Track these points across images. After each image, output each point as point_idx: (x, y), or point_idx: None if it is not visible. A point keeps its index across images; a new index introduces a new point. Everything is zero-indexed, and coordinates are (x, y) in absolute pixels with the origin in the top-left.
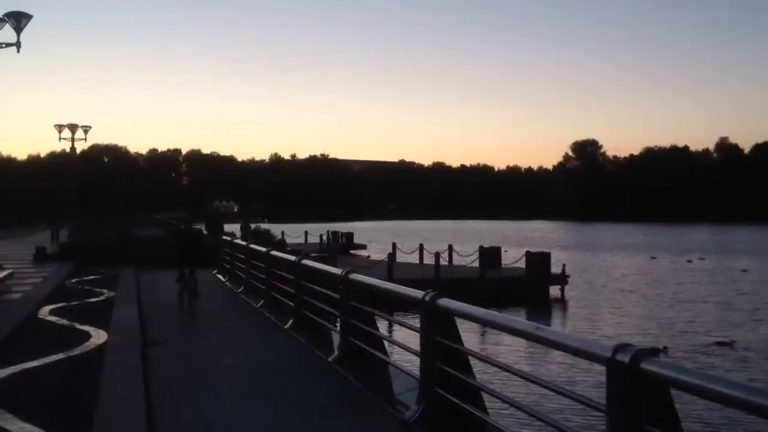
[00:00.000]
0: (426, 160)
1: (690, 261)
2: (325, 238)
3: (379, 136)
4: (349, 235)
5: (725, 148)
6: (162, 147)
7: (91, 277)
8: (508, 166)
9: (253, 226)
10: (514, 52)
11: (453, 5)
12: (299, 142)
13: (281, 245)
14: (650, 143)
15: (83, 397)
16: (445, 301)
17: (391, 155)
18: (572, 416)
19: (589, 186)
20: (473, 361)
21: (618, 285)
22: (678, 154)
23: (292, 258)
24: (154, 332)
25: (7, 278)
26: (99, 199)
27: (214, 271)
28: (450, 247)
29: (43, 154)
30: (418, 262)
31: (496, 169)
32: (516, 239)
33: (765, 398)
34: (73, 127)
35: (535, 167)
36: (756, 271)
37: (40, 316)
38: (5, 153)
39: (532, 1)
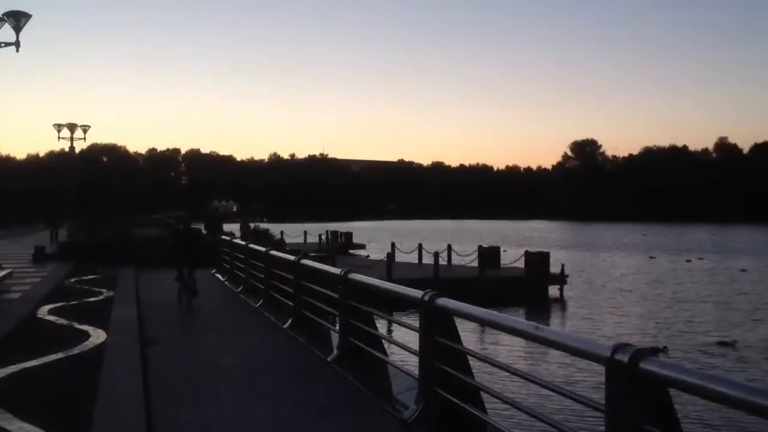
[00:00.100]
0: (425, 160)
1: (689, 261)
2: (324, 237)
3: (379, 135)
4: (348, 235)
5: (724, 148)
6: (161, 146)
7: (90, 277)
8: (507, 166)
9: (252, 225)
10: (513, 52)
11: (453, 5)
12: (299, 142)
13: (280, 245)
14: (649, 143)
15: (82, 396)
16: (444, 301)
17: (390, 155)
18: (571, 416)
19: (589, 186)
20: (472, 361)
21: (617, 285)
22: (677, 154)
23: (291, 258)
24: (153, 332)
25: (6, 278)
26: (98, 199)
27: (213, 271)
28: (449, 247)
29: (42, 154)
30: (417, 261)
31: (495, 169)
32: (515, 239)
33: (765, 398)
34: (72, 127)
35: (534, 167)
36: (755, 270)
37: (39, 316)
38: (4, 152)
39: (532, 1)
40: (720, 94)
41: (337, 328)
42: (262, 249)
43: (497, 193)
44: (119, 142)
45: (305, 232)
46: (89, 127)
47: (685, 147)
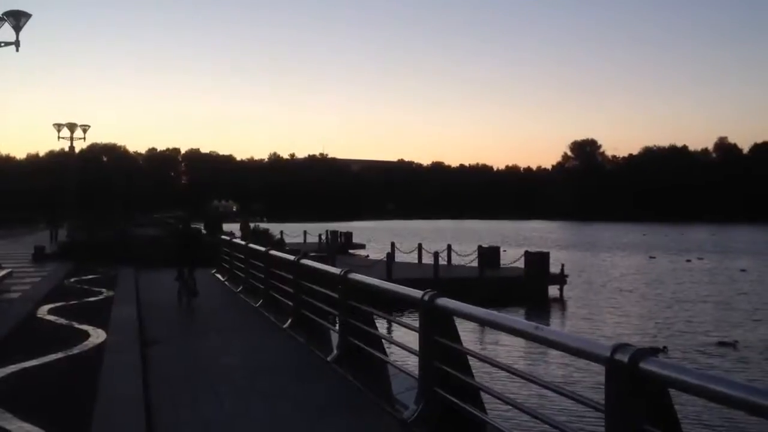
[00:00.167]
0: (425, 160)
1: (689, 261)
2: (324, 237)
3: (379, 135)
4: (348, 235)
5: (724, 147)
6: (161, 146)
7: (90, 277)
8: (507, 166)
9: (252, 225)
10: (513, 52)
11: (453, 5)
12: (298, 142)
13: (280, 245)
14: (649, 143)
15: (82, 396)
16: (444, 301)
17: (390, 155)
18: (571, 416)
19: (588, 186)
20: (472, 361)
21: (617, 285)
22: (677, 154)
23: (291, 257)
24: (153, 332)
25: (6, 277)
26: (98, 199)
27: (213, 271)
28: (449, 247)
29: (41, 154)
30: (417, 261)
31: (495, 169)
32: (515, 239)
33: (764, 398)
34: (71, 126)
35: (534, 167)
36: (755, 270)
37: (38, 316)
38: (4, 152)
39: (532, 1)
40: (720, 94)
41: (337, 327)
42: (262, 249)
43: (497, 193)
44: (119, 142)
45: (305, 232)
46: (89, 126)
47: (685, 147)
